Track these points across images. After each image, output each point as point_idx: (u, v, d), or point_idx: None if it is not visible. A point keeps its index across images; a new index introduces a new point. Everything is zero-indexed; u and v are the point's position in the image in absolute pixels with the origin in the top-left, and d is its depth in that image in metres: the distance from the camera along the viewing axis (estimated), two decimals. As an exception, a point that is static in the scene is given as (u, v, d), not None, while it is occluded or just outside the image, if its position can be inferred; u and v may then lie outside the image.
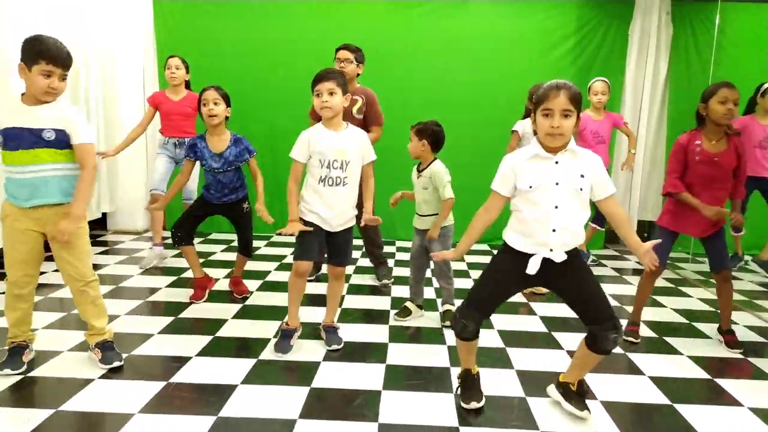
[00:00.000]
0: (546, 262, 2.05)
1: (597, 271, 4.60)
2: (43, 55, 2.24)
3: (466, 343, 2.24)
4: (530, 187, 2.02)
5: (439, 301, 3.51)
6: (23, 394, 2.24)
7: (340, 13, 5.38)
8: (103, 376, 2.39)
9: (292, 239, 2.79)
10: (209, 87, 3.20)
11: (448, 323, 3.06)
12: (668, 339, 3.09)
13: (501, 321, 3.24)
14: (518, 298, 3.69)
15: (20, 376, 2.37)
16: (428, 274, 3.53)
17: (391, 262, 4.57)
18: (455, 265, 4.29)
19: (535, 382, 2.47)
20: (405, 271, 4.25)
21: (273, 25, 5.43)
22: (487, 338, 2.97)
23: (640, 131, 5.36)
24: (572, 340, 2.98)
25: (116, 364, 2.49)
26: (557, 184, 2.00)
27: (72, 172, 2.39)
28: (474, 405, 2.20)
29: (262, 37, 5.43)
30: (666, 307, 3.69)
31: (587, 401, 2.24)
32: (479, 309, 2.16)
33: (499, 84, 5.33)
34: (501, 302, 2.19)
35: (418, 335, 3.03)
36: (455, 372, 2.54)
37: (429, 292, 3.59)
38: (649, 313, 3.46)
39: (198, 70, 5.14)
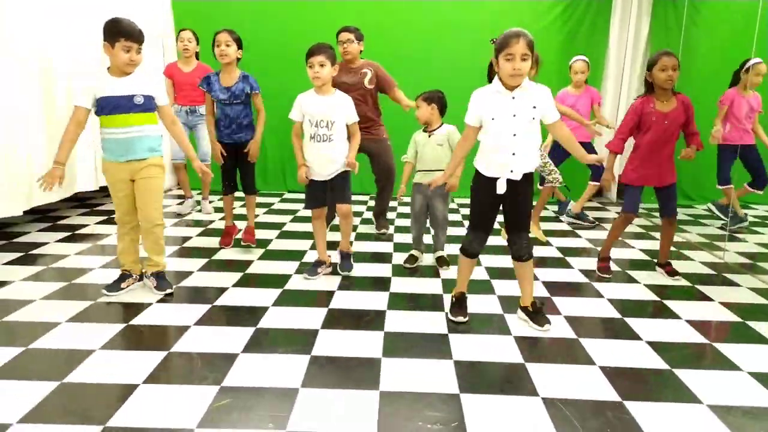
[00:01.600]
0: (508, 182, 2.55)
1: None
2: (122, 33, 2.77)
3: (468, 261, 2.77)
4: (492, 118, 2.51)
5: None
6: (96, 315, 2.75)
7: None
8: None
9: (299, 197, 3.34)
10: (222, 30, 3.59)
11: (446, 268, 3.58)
12: (630, 272, 3.60)
13: (487, 259, 3.77)
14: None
15: (90, 302, 2.89)
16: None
17: (392, 215, 5.08)
18: (452, 217, 4.78)
19: (511, 304, 2.99)
20: (406, 222, 4.76)
21: (285, 15, 5.76)
22: (477, 273, 3.48)
23: (622, 92, 5.76)
24: (543, 273, 3.53)
25: (168, 290, 3.04)
26: (514, 115, 2.48)
27: (155, 132, 2.98)
28: (461, 319, 2.74)
29: (276, 9, 5.73)
30: (635, 248, 4.20)
31: (550, 316, 2.77)
32: (480, 227, 2.71)
33: (485, 56, 5.51)
34: (493, 219, 2.73)
35: (415, 270, 3.55)
36: (447, 297, 3.07)
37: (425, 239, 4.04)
38: (617, 252, 3.99)
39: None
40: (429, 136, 3.51)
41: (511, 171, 2.54)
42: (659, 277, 3.51)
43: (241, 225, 4.31)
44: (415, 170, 3.60)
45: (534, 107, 2.49)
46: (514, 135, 2.50)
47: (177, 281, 3.23)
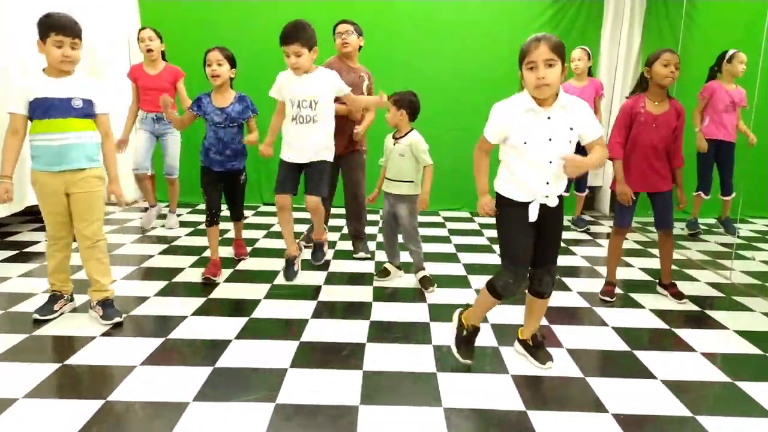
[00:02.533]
0: (542, 208, 2.16)
1: (572, 235, 4.81)
2: (53, 27, 2.47)
3: (495, 302, 2.27)
4: (525, 143, 2.09)
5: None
6: (29, 351, 2.39)
7: (319, 4, 5.34)
8: (104, 334, 2.55)
9: (268, 221, 2.99)
10: (213, 48, 3.25)
11: (432, 289, 3.22)
12: (633, 295, 3.31)
13: (480, 282, 3.45)
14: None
15: (25, 335, 2.52)
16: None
17: (375, 229, 4.74)
18: (423, 231, 4.49)
19: (507, 334, 2.66)
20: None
21: (259, 13, 5.46)
22: (466, 297, 3.18)
23: (614, 99, 5.54)
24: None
25: (116, 320, 2.66)
26: (550, 140, 2.08)
27: (93, 139, 2.65)
28: (469, 362, 2.31)
29: (248, 21, 5.47)
30: (634, 267, 3.91)
31: (551, 350, 2.45)
32: (521, 262, 2.20)
33: (480, 57, 5.47)
34: (530, 252, 2.22)
35: (398, 295, 3.21)
36: (435, 326, 2.75)
37: (406, 256, 3.76)
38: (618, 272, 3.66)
39: (184, 41, 5.17)
40: (394, 144, 3.24)
41: (546, 196, 2.15)
42: (664, 301, 3.22)
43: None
44: (385, 176, 3.34)
45: (571, 129, 2.10)
46: (550, 162, 2.10)
47: (128, 310, 2.85)
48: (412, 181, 3.21)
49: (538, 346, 2.40)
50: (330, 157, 3.15)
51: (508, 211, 2.21)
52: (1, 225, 4.50)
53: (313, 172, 3.09)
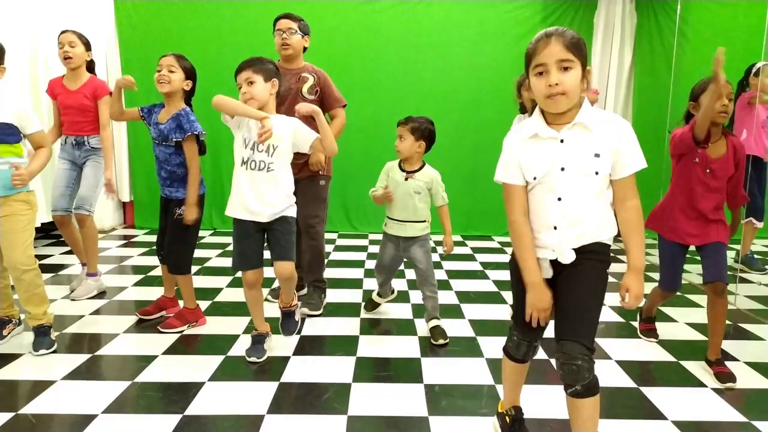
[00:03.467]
0: (557, 263, 1.64)
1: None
2: None
3: (512, 366, 1.84)
4: (534, 178, 1.60)
5: (413, 305, 3.51)
6: (-19, 399, 2.17)
7: (304, 12, 5.26)
8: (65, 377, 2.33)
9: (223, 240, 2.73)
10: (169, 53, 2.81)
11: (441, 341, 2.77)
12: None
13: (472, 311, 3.26)
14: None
15: (-22, 381, 2.30)
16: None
17: (363, 255, 4.56)
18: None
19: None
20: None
21: (236, 20, 5.34)
22: (459, 328, 2.98)
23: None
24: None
25: (42, 352, 2.54)
26: (563, 169, 1.56)
27: (22, 162, 2.48)
28: None
29: (224, 32, 5.34)
30: (678, 321, 3.21)
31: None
32: (525, 326, 1.71)
33: (468, 76, 5.38)
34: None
35: (389, 327, 3.02)
36: (426, 362, 2.55)
37: (397, 283, 3.58)
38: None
39: (161, 48, 5.04)
40: (406, 178, 2.78)
41: (553, 251, 1.63)
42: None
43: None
44: (385, 215, 2.90)
45: (597, 155, 1.54)
46: (559, 199, 1.58)
47: (94, 349, 2.63)
48: (426, 221, 2.83)
49: None
50: (294, 212, 2.53)
51: (514, 264, 1.73)
52: None
53: (275, 234, 2.46)
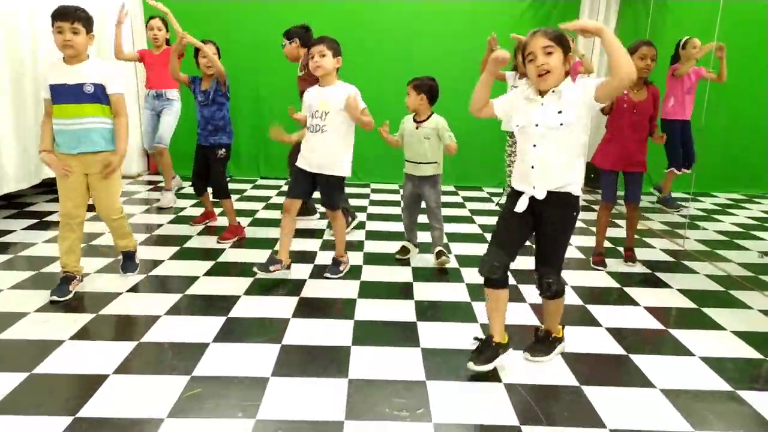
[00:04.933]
0: (535, 201, 2.13)
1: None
2: (53, 15, 2.64)
3: (494, 293, 2.23)
4: (517, 126, 2.16)
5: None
6: (-5, 357, 2.27)
7: (301, 5, 5.63)
8: (73, 337, 2.42)
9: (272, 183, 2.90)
10: (207, 41, 3.63)
11: (443, 258, 3.45)
12: (628, 289, 3.22)
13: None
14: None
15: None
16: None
17: (365, 201, 4.61)
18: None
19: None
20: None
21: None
22: (457, 294, 3.07)
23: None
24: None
25: (129, 274, 3.09)
26: (536, 125, 2.09)
27: (108, 125, 2.80)
28: (471, 366, 2.19)
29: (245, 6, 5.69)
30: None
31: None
32: (500, 246, 2.19)
33: (454, 65, 5.38)
34: (520, 244, 2.24)
35: (384, 292, 3.10)
36: (421, 326, 2.64)
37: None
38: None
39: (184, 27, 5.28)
40: (416, 128, 3.34)
41: (533, 187, 2.13)
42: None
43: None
44: (404, 159, 3.44)
45: (560, 112, 2.06)
46: (534, 146, 2.12)
47: (100, 307, 2.72)
48: (437, 162, 3.36)
49: (536, 340, 2.42)
50: (342, 171, 3.12)
51: (508, 200, 2.26)
52: (19, 196, 4.66)
53: (323, 187, 3.16)
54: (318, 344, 2.44)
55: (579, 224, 4.48)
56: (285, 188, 5.35)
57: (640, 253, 3.76)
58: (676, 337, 2.62)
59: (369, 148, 4.78)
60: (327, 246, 3.80)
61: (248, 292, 2.94)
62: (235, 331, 2.53)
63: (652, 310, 2.91)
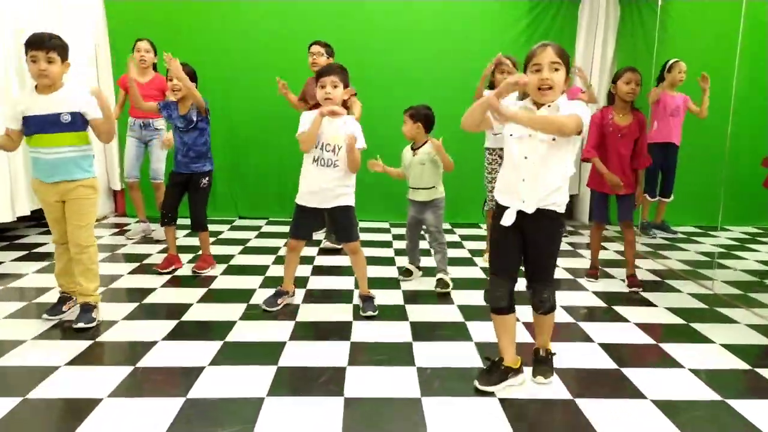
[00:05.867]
0: (522, 216, 2.14)
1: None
2: (27, 44, 2.59)
3: (501, 319, 2.27)
4: (511, 135, 2.15)
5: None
6: (-12, 384, 2.24)
7: (295, 7, 5.36)
8: (69, 363, 2.41)
9: (254, 223, 2.89)
10: (183, 65, 3.44)
11: (440, 289, 3.46)
12: (617, 308, 3.28)
13: (460, 297, 3.37)
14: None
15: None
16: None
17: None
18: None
19: (491, 352, 2.58)
20: (367, 251, 4.37)
21: (227, 17, 5.38)
22: (449, 315, 3.10)
23: (590, 105, 5.52)
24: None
25: (80, 325, 2.72)
26: (530, 135, 2.09)
27: (86, 152, 2.78)
28: (481, 386, 2.23)
29: (216, 28, 5.39)
30: (616, 277, 3.86)
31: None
32: (500, 274, 2.23)
33: (455, 65, 5.42)
34: (518, 264, 2.26)
35: (381, 314, 3.11)
36: (417, 346, 2.66)
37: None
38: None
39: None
40: (414, 155, 3.48)
41: (522, 201, 2.13)
42: (648, 312, 3.22)
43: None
44: (408, 185, 3.56)
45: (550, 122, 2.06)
46: (525, 158, 2.12)
47: (95, 335, 2.71)
48: (434, 186, 3.49)
49: (539, 361, 2.37)
50: (351, 201, 3.03)
51: (495, 221, 2.25)
52: (9, 229, 4.66)
53: (339, 221, 3.04)
54: (314, 365, 2.45)
55: (565, 246, 4.66)
56: (265, 229, 5.15)
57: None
58: (665, 351, 2.68)
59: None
60: (319, 272, 3.84)
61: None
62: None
63: (642, 326, 2.97)
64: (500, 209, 2.21)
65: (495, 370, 2.27)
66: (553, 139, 2.07)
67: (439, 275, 3.51)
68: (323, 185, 2.93)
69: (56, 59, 2.60)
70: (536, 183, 2.11)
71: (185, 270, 3.79)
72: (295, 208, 3.06)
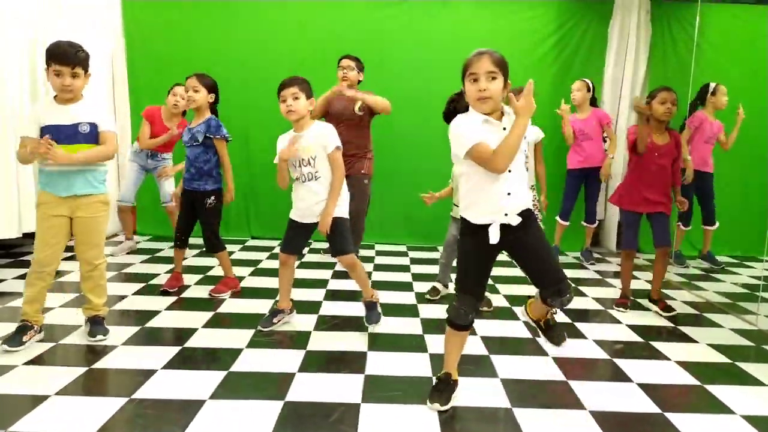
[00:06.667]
0: (504, 228, 2.09)
1: (579, 273, 4.54)
2: (52, 56, 2.52)
3: (459, 335, 2.23)
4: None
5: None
6: None
7: (313, 12, 5.27)
8: (59, 393, 2.22)
9: (266, 244, 2.71)
10: (192, 75, 3.40)
11: (433, 295, 3.58)
12: (654, 343, 3.01)
13: (485, 327, 3.14)
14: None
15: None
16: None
17: (369, 266, 4.46)
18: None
19: (520, 391, 2.36)
20: (380, 275, 4.17)
21: (244, 23, 5.30)
22: (471, 346, 2.86)
23: (618, 132, 5.31)
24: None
25: (100, 337, 2.72)
26: None
27: (102, 168, 2.72)
28: (437, 407, 2.16)
29: (232, 35, 5.30)
30: (650, 311, 3.60)
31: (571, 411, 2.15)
32: (468, 290, 2.20)
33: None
34: (487, 279, 2.25)
35: (397, 344, 2.89)
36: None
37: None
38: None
39: (168, 64, 5.15)
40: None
41: (506, 215, 2.08)
42: (689, 349, 2.95)
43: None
44: (452, 203, 3.44)
45: (524, 137, 2.06)
46: (510, 171, 2.06)
47: (91, 361, 2.52)
48: None
49: (550, 326, 2.44)
50: (342, 212, 2.95)
51: (463, 240, 2.20)
52: (14, 246, 4.55)
53: (331, 233, 2.90)
54: (325, 400, 2.23)
55: (592, 275, 4.42)
56: (277, 250, 4.91)
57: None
58: (711, 392, 2.43)
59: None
60: (333, 297, 3.63)
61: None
62: (234, 387, 2.29)
63: (683, 364, 2.71)
64: (474, 229, 2.13)
65: (446, 386, 2.23)
66: (524, 150, 2.10)
67: (434, 284, 3.62)
68: (310, 199, 2.90)
69: (80, 73, 2.56)
70: (519, 192, 2.10)
71: (192, 292, 3.62)
72: (288, 223, 3.02)
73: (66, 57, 2.50)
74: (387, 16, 5.31)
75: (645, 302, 3.66)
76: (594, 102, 4.83)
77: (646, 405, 2.30)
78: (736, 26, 4.85)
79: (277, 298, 3.10)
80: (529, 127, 2.07)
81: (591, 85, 4.78)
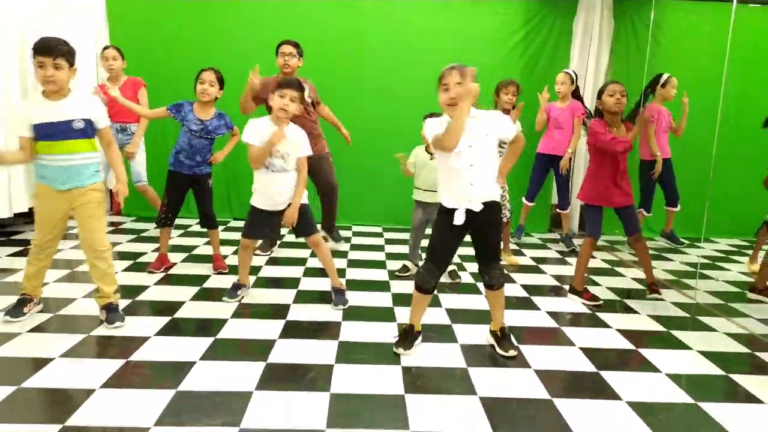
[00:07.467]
0: (470, 213, 2.50)
1: (541, 253, 4.87)
2: (35, 49, 2.58)
3: (422, 297, 2.67)
4: (457, 151, 2.44)
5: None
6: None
7: (294, 8, 5.45)
8: (63, 355, 2.47)
9: (238, 236, 2.98)
10: (209, 69, 3.56)
11: (458, 279, 3.86)
12: (600, 314, 3.35)
13: (448, 300, 3.45)
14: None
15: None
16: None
17: (347, 246, 4.73)
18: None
19: (476, 355, 2.67)
20: (357, 254, 4.43)
21: (227, 18, 5.47)
22: (436, 316, 3.17)
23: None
24: (511, 316, 3.21)
25: (118, 324, 2.81)
26: (470, 146, 2.45)
27: (97, 158, 2.81)
28: (401, 351, 2.63)
29: (215, 30, 5.47)
30: (601, 285, 3.96)
31: (520, 370, 2.49)
32: (434, 260, 2.62)
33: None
34: (452, 255, 2.68)
35: (369, 315, 3.19)
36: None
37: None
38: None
39: (150, 59, 5.31)
40: (430, 158, 3.57)
41: (470, 201, 2.48)
42: (630, 319, 3.28)
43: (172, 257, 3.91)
44: (414, 186, 3.76)
45: (487, 135, 2.50)
46: (471, 165, 2.48)
47: (89, 330, 2.78)
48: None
49: (504, 337, 2.73)
50: (304, 199, 3.25)
51: (439, 218, 2.62)
52: (6, 225, 4.73)
53: (297, 221, 3.19)
54: (302, 362, 2.52)
55: (555, 255, 4.75)
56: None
57: (614, 281, 3.93)
58: (646, 357, 2.76)
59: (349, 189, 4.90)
60: (311, 273, 3.91)
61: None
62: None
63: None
64: (446, 211, 2.56)
65: (409, 335, 2.69)
66: (487, 135, 2.48)
67: (451, 268, 3.80)
68: (275, 189, 3.13)
69: (63, 65, 2.59)
70: (482, 185, 2.51)
71: (178, 269, 3.86)
72: (249, 209, 3.25)
73: (48, 48, 2.55)
74: (359, 13, 5.54)
75: (598, 280, 4.00)
76: (577, 92, 4.99)
77: (584, 365, 2.63)
78: (689, 21, 5.15)
79: (239, 277, 3.39)
80: (499, 123, 2.54)
81: (574, 76, 4.95)
